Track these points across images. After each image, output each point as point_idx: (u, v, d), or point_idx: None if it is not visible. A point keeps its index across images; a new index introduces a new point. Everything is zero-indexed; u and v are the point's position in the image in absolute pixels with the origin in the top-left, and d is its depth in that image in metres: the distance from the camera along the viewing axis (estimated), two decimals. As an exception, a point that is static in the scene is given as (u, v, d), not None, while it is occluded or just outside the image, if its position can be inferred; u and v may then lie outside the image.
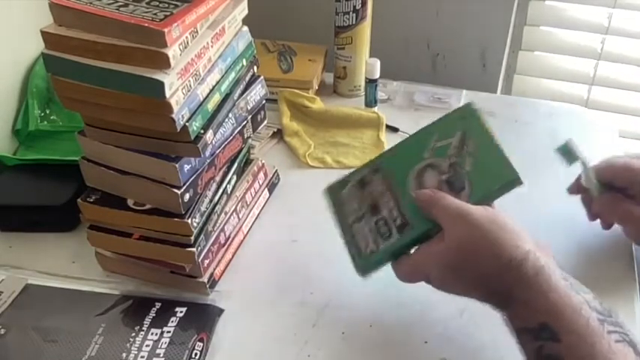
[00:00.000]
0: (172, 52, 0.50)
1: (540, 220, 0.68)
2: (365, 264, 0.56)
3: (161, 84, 0.50)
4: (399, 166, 0.59)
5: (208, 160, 0.60)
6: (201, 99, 0.56)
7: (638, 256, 0.66)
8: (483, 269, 0.49)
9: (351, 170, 0.63)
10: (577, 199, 0.68)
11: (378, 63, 0.86)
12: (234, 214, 0.67)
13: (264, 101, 0.69)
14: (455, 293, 0.52)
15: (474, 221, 0.50)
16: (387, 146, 0.82)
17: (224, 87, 0.60)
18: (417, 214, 0.55)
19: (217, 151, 0.62)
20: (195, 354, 0.56)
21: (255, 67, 0.66)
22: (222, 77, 0.59)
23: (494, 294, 0.49)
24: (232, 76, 0.61)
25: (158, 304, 0.61)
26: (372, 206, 0.58)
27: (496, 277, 0.48)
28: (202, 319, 0.59)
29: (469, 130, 0.58)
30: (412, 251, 0.54)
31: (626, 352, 0.44)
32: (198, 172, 0.59)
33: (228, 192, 0.67)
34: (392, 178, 0.59)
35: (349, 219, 0.59)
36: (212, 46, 0.56)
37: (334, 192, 0.62)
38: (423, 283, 0.63)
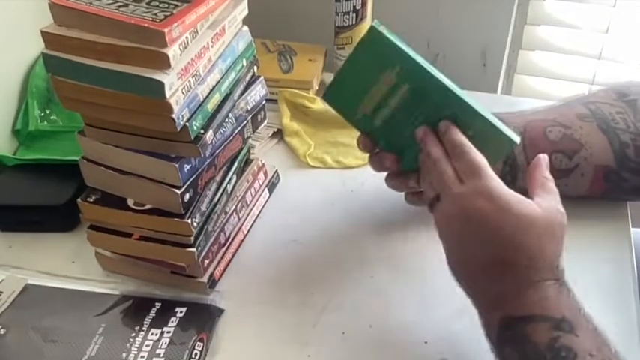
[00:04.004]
0: (172, 52, 0.50)
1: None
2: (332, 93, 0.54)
3: (161, 84, 0.50)
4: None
5: (208, 160, 0.60)
6: (201, 99, 0.56)
7: (638, 254, 0.66)
8: (530, 260, 0.48)
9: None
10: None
11: (378, 63, 0.86)
12: (234, 214, 0.67)
13: (264, 101, 0.69)
14: (457, 239, 0.51)
15: (563, 215, 0.51)
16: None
17: (224, 87, 0.60)
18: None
19: (217, 151, 0.62)
20: (195, 354, 0.56)
21: (255, 67, 0.66)
22: (222, 77, 0.59)
23: (515, 279, 0.49)
24: (232, 76, 0.61)
25: (158, 304, 0.61)
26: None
27: (536, 268, 0.48)
28: (202, 319, 0.59)
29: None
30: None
31: None
32: (198, 172, 0.59)
33: (228, 192, 0.67)
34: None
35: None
36: (212, 46, 0.56)
37: None
38: (422, 282, 0.63)
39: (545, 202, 0.50)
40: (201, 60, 0.55)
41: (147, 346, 0.56)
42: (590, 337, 0.46)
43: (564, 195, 0.68)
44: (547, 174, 0.54)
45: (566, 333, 0.45)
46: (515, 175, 0.66)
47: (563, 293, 0.48)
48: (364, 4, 0.87)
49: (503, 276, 0.49)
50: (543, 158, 0.55)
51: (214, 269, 0.63)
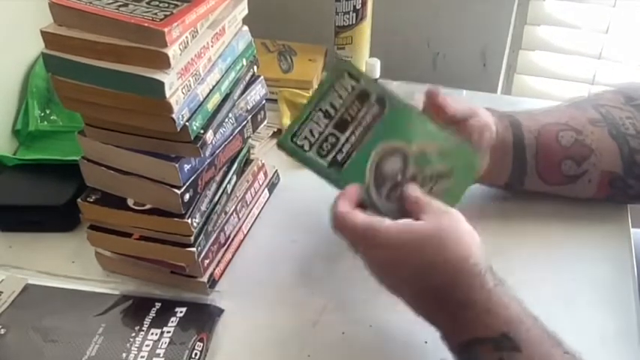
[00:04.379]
0: (172, 51, 0.50)
1: (537, 217, 0.69)
2: (287, 143, 0.56)
3: (161, 84, 0.50)
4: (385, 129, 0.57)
5: (208, 160, 0.60)
6: (201, 99, 0.56)
7: (638, 254, 0.66)
8: (442, 276, 0.48)
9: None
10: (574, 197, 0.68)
11: (378, 63, 0.86)
12: (234, 213, 0.67)
13: (264, 101, 0.69)
14: (390, 286, 0.52)
15: (452, 218, 0.50)
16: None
17: (224, 87, 0.60)
18: (358, 172, 0.55)
19: (217, 151, 0.62)
20: (195, 354, 0.56)
21: (255, 67, 0.66)
22: (222, 77, 0.59)
23: (444, 301, 0.48)
24: (232, 75, 0.61)
25: (158, 304, 0.61)
26: (341, 120, 0.57)
27: (454, 283, 0.48)
28: (202, 319, 0.59)
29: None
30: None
31: None
32: (198, 172, 0.59)
33: (228, 192, 0.67)
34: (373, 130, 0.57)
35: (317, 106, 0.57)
36: (212, 46, 0.56)
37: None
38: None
39: (430, 216, 0.50)
40: (201, 60, 0.55)
41: (147, 346, 0.56)
42: (536, 348, 0.45)
43: (568, 197, 0.68)
44: (415, 192, 0.53)
45: (509, 351, 0.45)
46: (522, 179, 0.66)
47: (497, 303, 0.47)
48: (364, 3, 0.87)
49: (437, 303, 0.49)
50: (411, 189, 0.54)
51: (214, 269, 0.63)
